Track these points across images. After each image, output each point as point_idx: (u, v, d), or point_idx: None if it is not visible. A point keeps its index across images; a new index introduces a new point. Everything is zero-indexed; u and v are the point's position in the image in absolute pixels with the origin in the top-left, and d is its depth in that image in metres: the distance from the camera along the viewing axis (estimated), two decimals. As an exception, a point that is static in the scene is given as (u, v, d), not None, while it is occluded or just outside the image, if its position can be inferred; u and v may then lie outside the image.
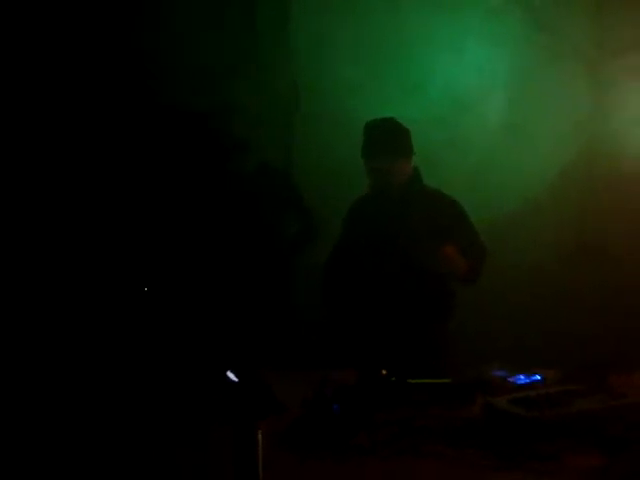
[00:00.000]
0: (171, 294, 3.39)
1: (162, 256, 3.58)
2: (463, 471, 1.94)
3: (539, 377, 2.53)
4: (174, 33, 3.79)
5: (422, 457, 2.01)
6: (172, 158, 3.73)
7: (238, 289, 3.48)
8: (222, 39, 3.92)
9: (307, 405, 2.20)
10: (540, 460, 1.98)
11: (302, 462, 1.97)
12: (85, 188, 3.67)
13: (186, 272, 3.50)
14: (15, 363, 2.81)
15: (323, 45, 4.00)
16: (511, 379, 2.51)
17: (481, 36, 3.97)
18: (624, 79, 3.87)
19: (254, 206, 3.62)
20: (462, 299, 3.53)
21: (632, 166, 3.81)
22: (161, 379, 2.50)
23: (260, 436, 1.74)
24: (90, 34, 3.74)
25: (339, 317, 3.13)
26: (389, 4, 4.01)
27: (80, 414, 2.31)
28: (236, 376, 2.33)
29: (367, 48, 4.00)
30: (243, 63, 3.97)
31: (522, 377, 2.52)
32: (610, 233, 3.80)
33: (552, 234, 3.88)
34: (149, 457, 2.06)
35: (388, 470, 1.96)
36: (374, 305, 3.04)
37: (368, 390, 2.36)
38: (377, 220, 3.08)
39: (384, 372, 2.47)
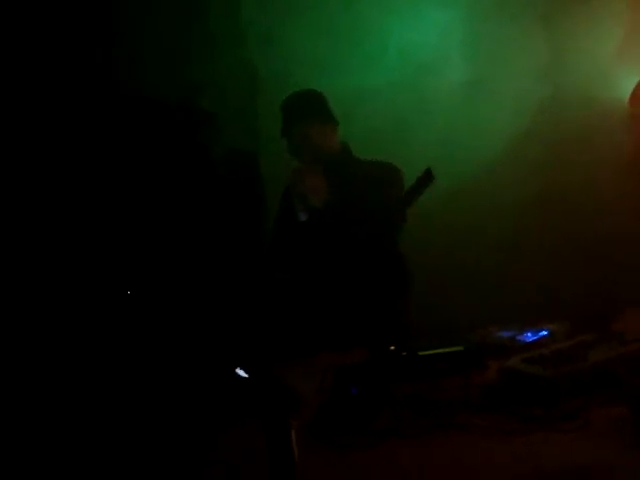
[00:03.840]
0: (152, 293, 3.30)
1: (140, 252, 3.48)
2: (493, 440, 1.94)
3: (546, 332, 2.54)
4: (121, 12, 3.66)
5: (449, 431, 2.00)
6: (136, 147, 3.60)
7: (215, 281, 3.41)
8: (172, 20, 3.79)
9: (325, 391, 2.17)
10: (564, 419, 1.99)
11: (332, 452, 1.94)
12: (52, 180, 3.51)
13: (162, 267, 3.41)
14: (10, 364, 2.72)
15: (278, 20, 3.90)
16: (519, 338, 2.52)
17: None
18: (578, 29, 3.88)
19: (226, 194, 3.53)
20: (429, 265, 3.51)
21: (593, 115, 3.82)
22: (169, 382, 2.44)
23: (294, 433, 1.71)
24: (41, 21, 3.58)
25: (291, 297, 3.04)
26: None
27: (85, 415, 2.25)
28: (246, 372, 2.29)
29: (323, 19, 3.91)
30: (196, 45, 3.85)
31: (530, 334, 2.54)
32: (574, 183, 3.83)
33: (521, 188, 3.89)
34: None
35: (418, 449, 1.95)
36: (324, 282, 2.96)
37: (381, 367, 2.34)
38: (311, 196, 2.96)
39: (392, 347, 2.46)
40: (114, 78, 3.64)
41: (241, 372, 2.31)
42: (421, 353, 2.41)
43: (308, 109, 2.96)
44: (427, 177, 2.58)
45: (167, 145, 3.53)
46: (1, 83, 3.49)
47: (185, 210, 3.35)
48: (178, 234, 3.36)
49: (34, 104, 3.53)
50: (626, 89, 3.75)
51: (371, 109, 3.93)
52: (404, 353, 2.39)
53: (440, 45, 3.94)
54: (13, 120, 3.51)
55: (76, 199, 3.52)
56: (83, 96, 3.61)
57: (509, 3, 3.87)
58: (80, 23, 3.66)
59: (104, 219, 3.49)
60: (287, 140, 3.00)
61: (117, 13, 3.69)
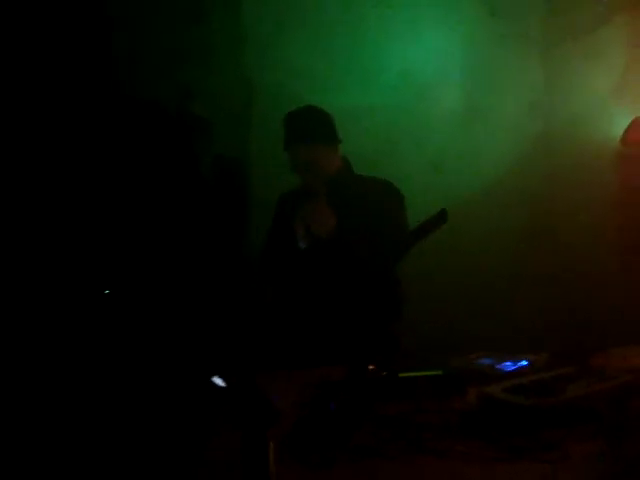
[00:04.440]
0: (137, 299, 3.26)
1: (123, 252, 3.44)
2: (472, 466, 1.91)
3: (526, 362, 2.53)
4: (121, 18, 3.64)
5: (430, 454, 1.97)
6: (136, 146, 3.57)
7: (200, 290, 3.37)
8: (172, 27, 3.78)
9: (303, 405, 2.13)
10: (543, 449, 1.97)
11: (309, 469, 1.90)
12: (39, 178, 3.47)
13: (144, 272, 3.37)
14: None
15: (277, 33, 3.91)
16: (499, 366, 2.50)
17: (435, 22, 3.96)
18: (575, 62, 3.93)
19: (212, 201, 3.51)
20: (418, 287, 3.52)
21: (584, 152, 3.87)
22: (146, 389, 2.39)
23: (272, 447, 1.67)
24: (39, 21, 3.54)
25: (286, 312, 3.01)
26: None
27: (70, 417, 2.20)
28: (224, 382, 2.26)
29: (322, 35, 3.94)
30: (194, 53, 3.85)
31: (509, 363, 2.52)
32: (562, 218, 3.86)
33: (509, 219, 3.92)
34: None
35: (398, 470, 1.92)
36: (317, 301, 2.94)
37: (360, 385, 2.31)
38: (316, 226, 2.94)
39: (372, 367, 2.44)
40: (111, 79, 3.61)
41: (218, 380, 2.27)
42: (401, 375, 2.38)
43: (315, 131, 2.91)
44: (441, 218, 2.51)
45: (157, 148, 3.51)
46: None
47: (169, 214, 3.32)
48: (162, 238, 3.33)
49: (29, 103, 3.49)
50: (619, 128, 3.80)
51: (365, 128, 3.95)
52: (384, 373, 2.36)
53: (438, 71, 3.98)
54: (6, 118, 3.47)
55: (63, 197, 3.48)
56: (77, 95, 3.57)
57: (509, 35, 3.93)
58: (79, 24, 3.64)
59: (90, 219, 3.45)
60: (289, 155, 2.94)
61: (117, 16, 3.67)
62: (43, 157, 3.45)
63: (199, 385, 2.29)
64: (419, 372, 2.40)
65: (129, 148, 3.46)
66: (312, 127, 2.91)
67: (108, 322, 3.09)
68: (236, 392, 2.04)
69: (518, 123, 3.92)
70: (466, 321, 3.55)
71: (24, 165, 3.43)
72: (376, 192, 2.97)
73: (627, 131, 3.74)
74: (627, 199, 3.70)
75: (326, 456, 1.95)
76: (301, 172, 2.94)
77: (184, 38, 3.81)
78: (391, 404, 2.25)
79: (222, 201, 3.57)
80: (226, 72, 3.90)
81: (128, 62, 3.64)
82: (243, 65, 3.96)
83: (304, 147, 2.89)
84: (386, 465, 1.93)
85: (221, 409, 2.14)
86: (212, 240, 3.36)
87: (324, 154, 2.91)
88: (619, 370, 2.40)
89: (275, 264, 3.02)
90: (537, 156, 3.89)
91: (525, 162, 3.88)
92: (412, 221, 3.15)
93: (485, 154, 3.92)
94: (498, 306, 3.65)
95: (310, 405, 2.13)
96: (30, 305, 3.21)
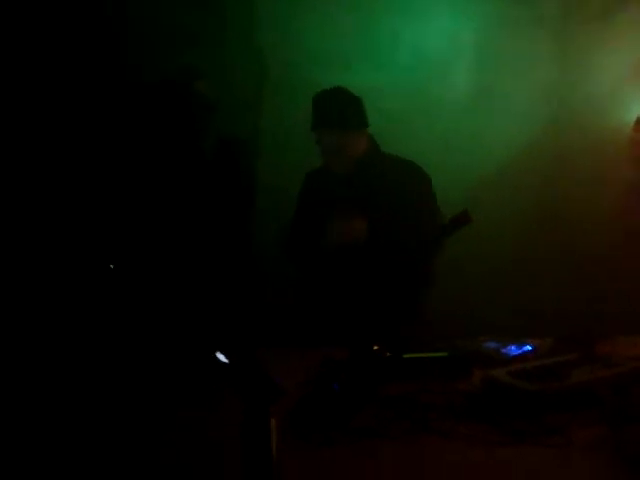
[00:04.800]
0: (140, 274, 3.26)
1: (128, 233, 3.44)
2: (475, 448, 1.92)
3: (530, 347, 2.53)
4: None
5: (432, 435, 1.98)
6: (131, 129, 3.56)
7: (203, 269, 3.37)
8: (184, 6, 3.76)
9: (307, 386, 2.14)
10: (546, 434, 1.98)
11: (312, 448, 1.91)
12: (46, 162, 3.48)
13: (149, 249, 3.37)
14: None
15: (290, 14, 3.88)
16: (504, 350, 2.50)
17: (449, 3, 3.91)
18: (590, 46, 3.88)
19: (214, 182, 3.50)
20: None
21: (596, 136, 3.83)
22: (149, 364, 2.40)
23: (274, 423, 1.68)
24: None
25: (309, 293, 3.03)
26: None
27: (67, 409, 2.21)
28: (227, 357, 2.26)
29: (335, 15, 3.90)
30: (207, 32, 3.82)
31: (514, 348, 2.52)
32: (572, 202, 3.83)
33: (519, 202, 3.89)
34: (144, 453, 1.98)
35: (400, 451, 1.92)
36: (342, 281, 2.93)
37: (364, 366, 2.31)
38: (335, 196, 2.93)
39: (376, 347, 2.44)
40: (119, 59, 3.59)
41: (221, 356, 2.28)
42: (405, 356, 2.39)
43: (345, 116, 2.87)
44: (464, 219, 2.48)
45: (161, 128, 3.49)
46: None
47: (171, 193, 3.31)
48: (164, 218, 3.33)
49: (34, 79, 3.48)
50: (632, 114, 3.76)
51: (376, 108, 3.91)
52: (388, 354, 2.37)
53: (450, 52, 3.94)
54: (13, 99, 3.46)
55: (69, 176, 3.48)
56: (83, 75, 3.55)
57: (523, 17, 3.88)
58: (86, 4, 3.61)
59: (90, 202, 3.46)
60: (316, 137, 2.92)
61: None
62: (45, 136, 3.45)
63: (202, 360, 2.29)
64: (424, 353, 2.40)
65: (133, 129, 3.44)
66: (342, 112, 2.86)
67: (112, 295, 3.10)
68: (238, 368, 2.05)
69: (531, 106, 3.88)
70: (473, 304, 3.54)
71: (26, 141, 3.43)
72: (405, 174, 2.95)
73: (640, 118, 3.71)
74: (639, 185, 3.67)
75: (328, 435, 1.96)
76: (328, 155, 2.92)
77: (196, 18, 3.78)
78: (395, 385, 2.25)
79: (225, 182, 3.56)
80: (238, 52, 3.88)
81: (138, 41, 3.62)
82: (255, 45, 3.93)
83: (333, 132, 2.86)
84: (387, 445, 1.94)
85: (223, 385, 2.15)
86: (216, 219, 3.35)
87: (352, 139, 2.89)
88: (625, 358, 2.40)
89: (301, 245, 3.01)
90: (549, 139, 3.86)
91: (537, 145, 3.85)
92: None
93: (497, 136, 3.89)
94: (505, 290, 3.64)
95: (313, 384, 2.14)
96: (34, 281, 3.22)
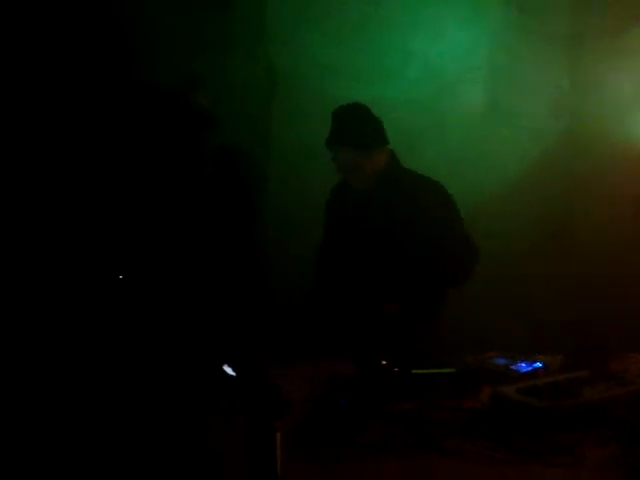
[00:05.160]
0: (149, 285, 3.26)
1: (135, 244, 3.44)
2: (482, 467, 1.88)
3: (541, 364, 2.49)
4: (147, 8, 3.62)
5: (438, 452, 1.95)
6: (139, 137, 3.56)
7: (212, 279, 3.36)
8: (195, 17, 3.77)
9: (314, 400, 2.11)
10: (556, 453, 1.94)
11: (316, 463, 1.88)
12: (54, 169, 3.47)
13: (157, 260, 3.36)
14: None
15: (300, 28, 3.88)
16: (513, 367, 2.47)
17: (461, 17, 3.90)
18: (601, 62, 3.86)
19: (218, 191, 3.49)
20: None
21: (608, 152, 3.80)
22: (156, 376, 2.38)
23: (279, 438, 1.65)
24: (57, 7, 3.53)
25: (333, 307, 2.99)
26: (368, -13, 3.91)
27: (73, 412, 2.19)
28: (234, 370, 2.24)
29: (345, 30, 3.90)
30: (217, 42, 3.83)
31: (524, 365, 2.48)
32: (584, 218, 3.80)
33: (530, 216, 3.86)
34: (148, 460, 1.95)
35: (406, 467, 1.89)
36: (364, 296, 2.90)
37: (371, 381, 2.28)
38: (357, 211, 2.91)
39: (384, 362, 2.41)
40: (126, 68, 3.59)
41: (228, 369, 2.26)
42: (414, 371, 2.36)
43: (359, 136, 2.83)
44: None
45: (163, 137, 3.49)
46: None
47: (173, 203, 3.31)
48: (169, 228, 3.32)
49: (42, 85, 3.48)
50: (644, 130, 3.74)
51: (386, 121, 3.90)
52: (396, 369, 2.34)
53: (462, 67, 3.92)
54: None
55: (75, 187, 3.48)
56: (89, 79, 3.55)
57: (534, 33, 3.86)
58: (94, 11, 3.61)
59: (103, 207, 3.45)
60: (332, 153, 2.88)
61: (137, 4, 3.64)
62: (53, 145, 3.44)
63: (209, 373, 2.28)
64: (432, 369, 2.37)
65: (138, 137, 3.44)
66: (357, 130, 2.82)
67: (121, 307, 3.09)
68: (245, 381, 2.03)
69: (542, 122, 3.86)
70: (483, 320, 3.50)
71: (35, 152, 3.43)
72: (425, 190, 2.91)
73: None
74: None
75: (333, 450, 1.93)
76: (343, 173, 2.89)
77: (206, 28, 3.79)
78: (403, 401, 2.22)
79: (225, 190, 3.55)
80: (248, 65, 3.88)
81: (146, 50, 3.62)
82: (265, 56, 3.94)
83: (347, 150, 2.82)
84: (392, 461, 1.90)
85: (229, 398, 2.13)
86: (220, 228, 3.34)
87: (367, 157, 2.83)
88: (638, 376, 2.36)
89: (332, 261, 2.98)
90: (560, 155, 3.83)
91: (548, 160, 3.82)
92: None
93: (508, 151, 3.86)
94: (516, 305, 3.60)
95: (320, 399, 2.11)
96: (44, 288, 3.22)
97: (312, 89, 3.86)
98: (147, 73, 3.59)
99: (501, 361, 2.50)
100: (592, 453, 1.93)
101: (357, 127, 2.83)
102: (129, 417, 2.15)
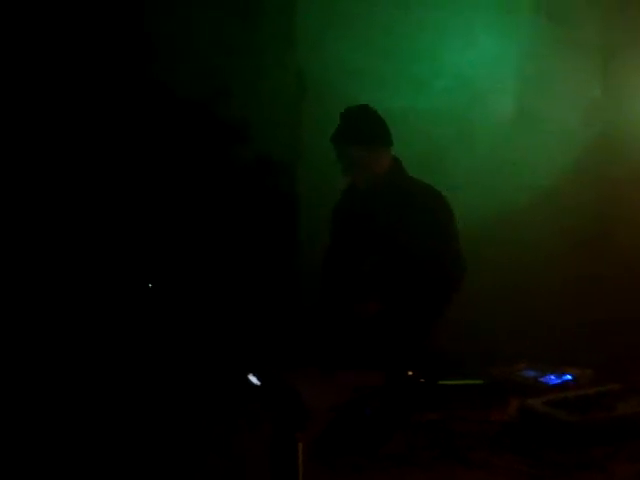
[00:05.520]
0: (178, 294, 3.26)
1: (165, 253, 3.45)
2: (508, 480, 1.85)
3: (570, 377, 2.44)
4: (174, 15, 3.63)
5: (464, 465, 1.91)
6: (170, 148, 3.58)
7: (242, 288, 3.35)
8: (226, 24, 3.78)
9: (338, 409, 2.09)
10: (586, 468, 1.89)
11: (339, 473, 1.86)
12: (82, 180, 3.50)
13: (186, 270, 3.37)
14: (18, 364, 2.68)
15: (329, 35, 3.86)
16: (542, 379, 2.42)
17: (490, 26, 3.85)
18: (632, 68, 3.78)
19: (253, 201, 3.49)
20: (470, 296, 3.43)
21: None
22: (178, 384, 2.38)
23: (300, 449, 1.63)
24: (87, 17, 3.56)
25: (337, 315, 2.97)
26: (398, -6, 3.89)
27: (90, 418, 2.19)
28: (258, 379, 2.23)
29: (375, 37, 3.86)
30: (246, 50, 3.83)
31: (553, 377, 2.44)
32: (616, 222, 3.72)
33: (563, 225, 3.79)
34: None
35: (428, 478, 1.86)
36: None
37: (398, 392, 2.25)
38: (359, 215, 2.93)
39: (410, 373, 2.38)
40: (154, 76, 3.60)
41: (253, 379, 2.25)
42: (440, 382, 2.32)
43: (361, 133, 2.89)
44: None
45: (195, 148, 3.51)
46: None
47: (205, 212, 3.31)
48: (199, 236, 3.33)
49: (74, 97, 3.51)
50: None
51: (417, 131, 3.86)
52: (422, 380, 2.31)
53: (492, 76, 3.86)
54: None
55: (112, 195, 3.50)
56: (117, 91, 3.57)
57: (565, 41, 3.79)
58: (122, 23, 3.63)
59: (137, 216, 3.47)
60: (336, 152, 2.93)
61: (166, 12, 3.66)
62: (80, 153, 3.47)
63: (234, 382, 2.27)
64: (459, 380, 2.34)
65: (171, 146, 3.46)
66: (360, 129, 2.88)
67: (150, 314, 3.10)
68: (269, 390, 2.02)
69: (573, 130, 3.77)
70: (512, 330, 3.44)
71: (70, 158, 3.46)
72: (425, 197, 2.91)
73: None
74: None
75: (357, 461, 1.90)
76: (348, 171, 2.93)
77: (235, 36, 3.79)
78: (429, 412, 2.19)
79: (264, 199, 3.55)
80: (277, 71, 3.87)
81: (177, 61, 3.63)
82: (294, 65, 3.93)
83: (349, 147, 2.87)
84: (417, 473, 1.87)
85: (254, 406, 2.12)
86: (254, 239, 3.34)
87: (369, 156, 2.87)
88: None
89: (338, 265, 2.99)
90: (592, 163, 3.74)
91: (579, 169, 3.73)
92: (459, 225, 3.11)
93: (538, 161, 3.78)
94: (545, 316, 3.53)
95: (345, 409, 2.08)
96: (78, 295, 3.24)
97: (341, 96, 3.82)
98: (176, 83, 3.60)
99: (530, 373, 2.46)
100: (623, 469, 1.88)
101: (362, 126, 2.89)
102: (155, 423, 2.15)
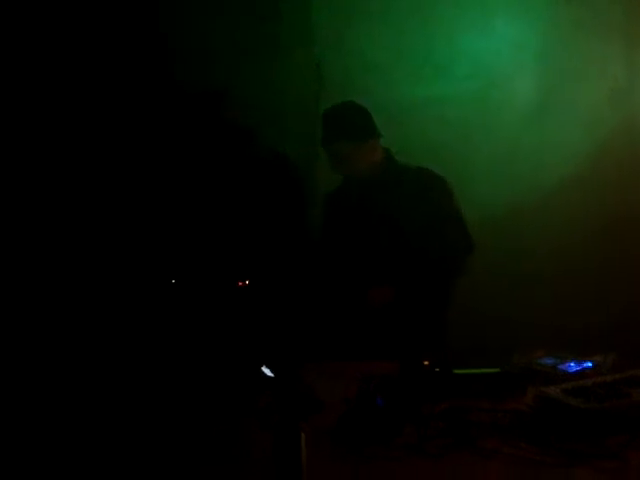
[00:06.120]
0: (194, 288, 3.29)
1: (179, 249, 3.48)
2: (521, 469, 1.82)
3: (591, 364, 2.39)
4: (190, 14, 3.66)
5: (475, 454, 1.89)
6: (185, 145, 3.59)
7: (258, 280, 3.36)
8: (243, 21, 3.80)
9: (350, 401, 2.08)
10: (603, 457, 1.85)
11: (348, 464, 1.85)
12: (94, 179, 3.55)
13: (199, 264, 3.39)
14: (25, 364, 2.73)
15: (347, 25, 3.86)
16: (561, 367, 2.37)
17: (509, 11, 3.80)
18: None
19: (269, 196, 3.50)
20: (493, 283, 3.41)
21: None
22: (190, 377, 2.40)
23: (303, 439, 1.63)
24: (98, 14, 3.60)
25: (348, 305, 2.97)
26: (415, -18, 3.85)
27: (100, 415, 2.22)
28: (272, 371, 2.24)
29: (393, 27, 3.85)
30: (264, 45, 3.84)
31: (573, 364, 2.39)
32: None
33: (587, 211, 3.73)
34: (177, 462, 1.96)
35: (442, 469, 1.84)
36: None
37: (412, 381, 2.24)
38: (357, 211, 2.94)
39: (426, 362, 2.36)
40: (170, 76, 3.63)
41: (266, 370, 2.26)
42: (456, 371, 2.30)
43: (345, 128, 2.90)
44: None
45: (213, 145, 3.52)
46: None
47: (220, 207, 3.33)
48: (213, 232, 3.35)
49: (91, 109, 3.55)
50: None
51: (437, 119, 3.85)
52: (437, 369, 2.28)
53: (512, 60, 3.83)
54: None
55: (135, 194, 3.54)
56: (133, 86, 3.60)
57: (587, 20, 3.73)
58: (135, 19, 3.66)
59: (158, 215, 3.51)
60: (327, 153, 2.97)
61: (184, 11, 3.68)
62: (94, 151, 3.51)
63: (249, 373, 2.28)
64: (475, 369, 2.31)
65: (187, 143, 3.48)
66: (346, 124, 2.88)
67: (170, 310, 3.14)
68: (281, 382, 2.02)
69: (597, 113, 3.72)
70: (534, 318, 3.40)
71: (95, 161, 3.51)
72: (421, 181, 2.93)
73: None
74: None
75: (369, 451, 1.90)
76: (337, 169, 2.93)
77: (253, 32, 3.80)
78: (443, 401, 2.17)
79: (276, 195, 3.56)
80: (296, 65, 3.88)
81: (193, 57, 3.66)
82: (313, 58, 3.93)
83: (340, 144, 2.88)
84: (428, 463, 1.85)
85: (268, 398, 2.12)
86: (267, 234, 3.35)
87: (360, 150, 2.88)
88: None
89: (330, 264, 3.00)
90: (617, 147, 3.68)
91: (604, 152, 3.68)
92: (481, 212, 3.08)
93: (562, 144, 3.74)
94: (568, 302, 3.49)
95: (356, 399, 2.08)
96: (98, 292, 3.29)
97: (360, 90, 3.81)
98: (192, 82, 3.62)
99: (549, 361, 2.42)
100: (638, 456, 1.83)
101: (348, 121, 2.89)
102: (165, 415, 2.17)
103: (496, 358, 2.54)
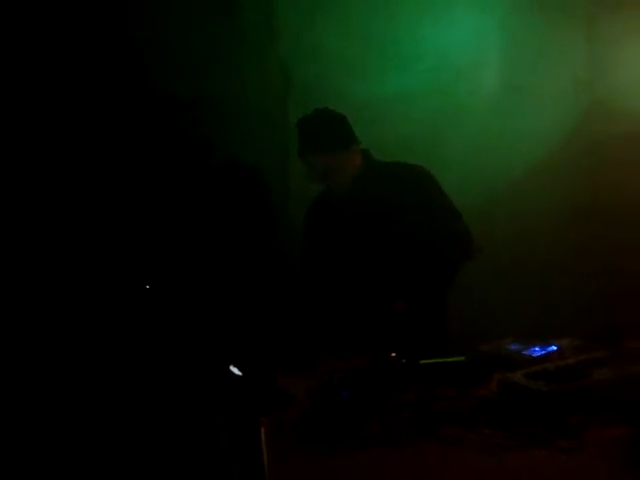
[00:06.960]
0: (166, 290, 3.31)
1: (155, 252, 3.49)
2: (483, 455, 1.85)
3: (555, 347, 2.42)
4: (153, 8, 3.64)
5: (437, 441, 1.92)
6: (153, 148, 3.59)
7: (229, 283, 3.38)
8: (204, 22, 3.79)
9: (313, 395, 2.11)
10: (562, 436, 1.89)
11: (312, 457, 1.88)
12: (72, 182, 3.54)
13: (176, 267, 3.41)
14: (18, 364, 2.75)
15: (311, 22, 3.87)
16: (526, 352, 2.41)
17: (470, 1, 3.83)
18: (622, 35, 3.73)
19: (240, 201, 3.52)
20: (465, 270, 3.42)
21: (634, 126, 3.67)
22: (161, 375, 2.42)
23: (263, 433, 1.66)
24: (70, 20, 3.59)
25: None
26: (378, -24, 3.88)
27: (80, 413, 2.24)
28: (240, 370, 2.26)
29: (357, 22, 3.87)
30: (227, 47, 3.84)
31: (537, 349, 2.42)
32: (605, 195, 3.68)
33: (557, 197, 3.77)
34: (147, 457, 1.98)
35: (404, 458, 1.87)
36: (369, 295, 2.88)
37: (378, 374, 2.27)
38: (343, 219, 2.88)
39: (393, 354, 2.39)
40: (133, 76, 3.62)
41: (235, 369, 2.28)
42: (422, 362, 2.33)
43: (324, 139, 2.80)
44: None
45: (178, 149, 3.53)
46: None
47: (188, 210, 3.34)
48: (183, 235, 3.36)
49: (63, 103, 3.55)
50: (669, 100, 3.59)
51: (404, 114, 3.87)
52: (404, 361, 2.31)
53: (477, 50, 3.85)
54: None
55: (104, 197, 3.55)
56: (95, 87, 3.57)
57: (549, 7, 3.76)
58: (99, 23, 3.64)
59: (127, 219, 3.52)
60: (304, 163, 2.87)
61: (144, 9, 3.67)
62: (67, 158, 3.51)
63: (216, 373, 2.30)
64: (441, 359, 2.34)
65: (154, 146, 3.49)
66: (321, 135, 2.78)
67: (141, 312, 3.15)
68: (248, 380, 2.04)
69: (562, 100, 3.75)
70: (504, 304, 3.43)
71: (61, 162, 3.51)
72: (404, 177, 2.90)
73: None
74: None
75: (332, 444, 1.92)
76: (322, 180, 2.86)
77: (214, 34, 3.79)
78: (408, 392, 2.20)
79: (239, 200, 3.56)
80: (260, 67, 3.88)
81: (155, 60, 3.65)
82: (277, 58, 3.94)
83: (317, 156, 2.79)
84: (391, 453, 1.88)
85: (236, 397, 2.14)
86: (235, 238, 3.36)
87: (338, 159, 2.80)
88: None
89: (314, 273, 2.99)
90: (582, 133, 3.72)
91: (570, 140, 3.71)
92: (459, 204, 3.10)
93: (528, 133, 3.77)
94: (535, 289, 3.52)
95: (320, 393, 2.10)
96: (72, 297, 3.31)
97: (327, 88, 3.84)
98: (161, 86, 3.62)
99: (514, 347, 2.45)
100: (598, 436, 1.87)
101: (325, 131, 2.79)
102: (133, 415, 2.19)
103: (466, 346, 2.57)
